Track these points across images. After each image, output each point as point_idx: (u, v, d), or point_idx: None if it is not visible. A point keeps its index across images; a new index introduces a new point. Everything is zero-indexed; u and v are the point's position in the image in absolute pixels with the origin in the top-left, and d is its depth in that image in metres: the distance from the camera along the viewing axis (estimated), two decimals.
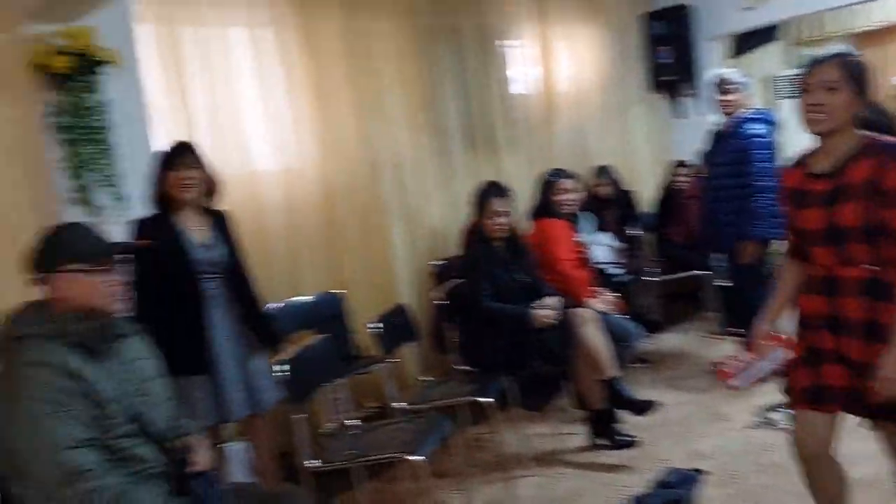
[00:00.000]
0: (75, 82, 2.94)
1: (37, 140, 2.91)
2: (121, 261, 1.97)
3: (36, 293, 1.92)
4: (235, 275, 2.85)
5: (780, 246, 3.52)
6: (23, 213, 2.84)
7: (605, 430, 3.50)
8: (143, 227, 2.73)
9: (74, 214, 2.86)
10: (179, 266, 2.70)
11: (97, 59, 2.93)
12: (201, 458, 1.99)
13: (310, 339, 3.32)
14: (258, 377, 2.83)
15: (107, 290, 1.90)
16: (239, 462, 3.15)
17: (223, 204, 2.90)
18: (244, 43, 3.71)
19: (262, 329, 2.90)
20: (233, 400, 2.75)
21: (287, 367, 2.77)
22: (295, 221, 3.83)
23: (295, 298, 3.64)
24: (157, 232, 2.69)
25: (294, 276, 3.77)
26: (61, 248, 1.89)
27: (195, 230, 2.78)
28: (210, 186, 2.83)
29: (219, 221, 2.87)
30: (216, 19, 3.57)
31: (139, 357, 2.02)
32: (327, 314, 3.70)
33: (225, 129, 3.59)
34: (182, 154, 2.77)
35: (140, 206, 2.90)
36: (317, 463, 2.76)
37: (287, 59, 3.83)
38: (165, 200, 2.76)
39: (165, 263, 2.65)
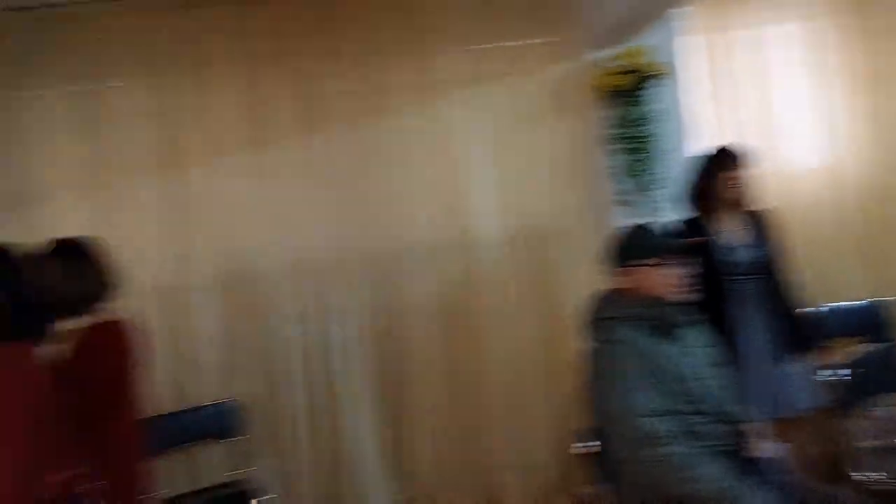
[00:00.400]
0: (626, 97, 3.29)
1: (588, 150, 3.35)
2: (680, 257, 2.21)
3: (610, 283, 2.27)
4: (772, 275, 2.84)
5: None
6: (572, 214, 3.33)
7: None
8: (686, 227, 2.91)
9: (619, 215, 3.21)
10: (715, 265, 2.81)
11: (649, 73, 3.24)
12: (760, 446, 2.12)
13: (853, 347, 3.10)
14: (791, 380, 2.77)
15: (668, 282, 2.18)
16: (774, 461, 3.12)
17: (766, 203, 2.91)
18: (794, 39, 3.66)
19: (794, 332, 2.83)
20: (759, 399, 2.74)
21: (831, 372, 2.64)
22: (842, 221, 3.66)
23: (840, 303, 3.45)
24: (698, 232, 2.85)
25: (840, 279, 3.57)
26: (635, 247, 2.22)
27: (734, 231, 2.85)
28: (751, 187, 2.87)
29: (759, 221, 2.89)
30: (765, 18, 3.61)
31: (701, 344, 2.24)
32: (875, 322, 3.41)
33: (770, 128, 3.61)
34: (725, 156, 2.88)
35: (678, 207, 3.10)
36: (869, 477, 2.60)
37: (842, 50, 3.66)
38: (705, 201, 2.90)
39: (705, 262, 2.79)
